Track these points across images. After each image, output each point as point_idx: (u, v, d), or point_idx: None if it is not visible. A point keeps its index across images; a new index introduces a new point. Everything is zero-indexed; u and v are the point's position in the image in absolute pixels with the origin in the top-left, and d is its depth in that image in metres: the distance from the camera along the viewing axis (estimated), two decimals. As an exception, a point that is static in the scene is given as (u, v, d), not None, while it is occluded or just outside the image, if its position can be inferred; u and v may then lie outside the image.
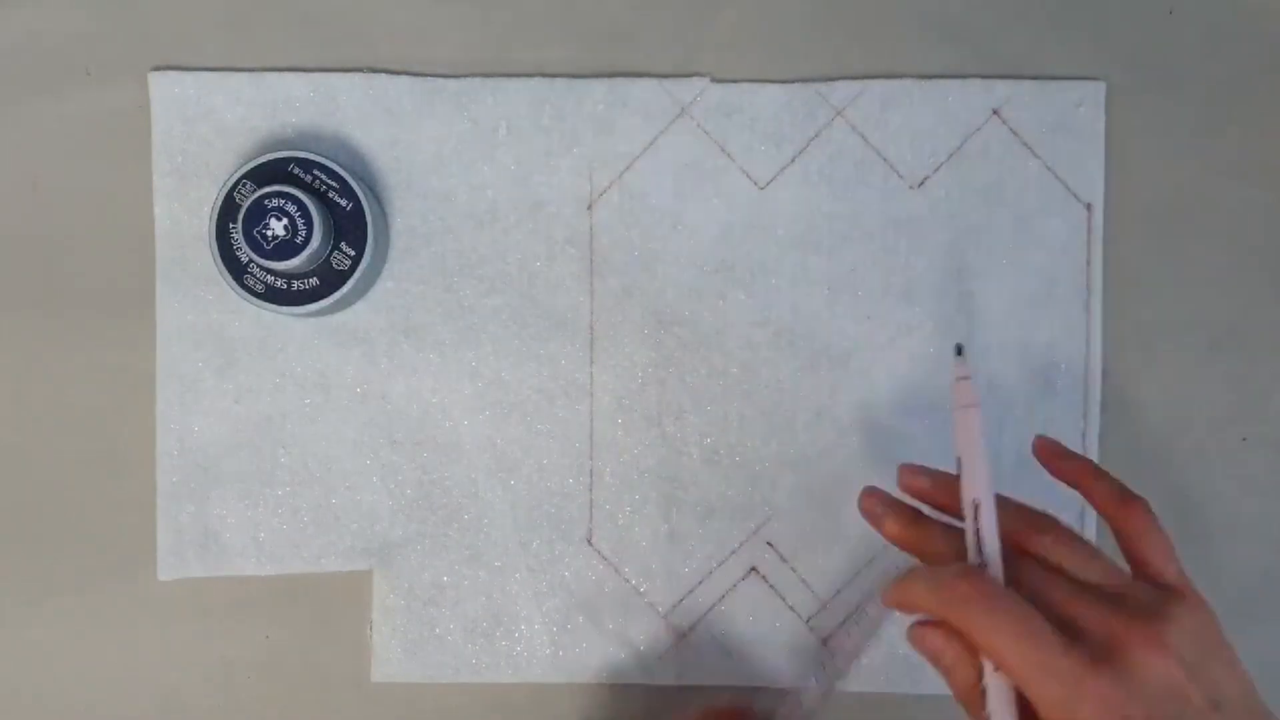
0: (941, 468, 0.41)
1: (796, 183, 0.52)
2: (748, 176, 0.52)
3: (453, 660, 0.52)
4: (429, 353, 0.52)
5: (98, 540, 0.52)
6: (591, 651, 0.52)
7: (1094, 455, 0.51)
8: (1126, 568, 0.40)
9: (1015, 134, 0.51)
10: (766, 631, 0.52)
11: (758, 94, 0.51)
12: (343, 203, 0.48)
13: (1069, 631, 0.35)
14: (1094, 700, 0.33)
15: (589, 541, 0.52)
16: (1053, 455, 0.42)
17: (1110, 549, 0.41)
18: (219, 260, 0.48)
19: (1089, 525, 0.52)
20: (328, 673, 0.52)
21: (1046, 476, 0.51)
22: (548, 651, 0.52)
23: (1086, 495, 0.41)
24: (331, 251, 0.48)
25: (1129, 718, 0.33)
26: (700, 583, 0.52)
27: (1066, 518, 0.51)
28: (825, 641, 0.52)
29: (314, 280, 0.48)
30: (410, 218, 0.52)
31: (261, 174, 0.48)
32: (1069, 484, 0.41)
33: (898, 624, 0.51)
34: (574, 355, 0.52)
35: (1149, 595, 0.37)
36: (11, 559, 0.52)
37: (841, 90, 0.51)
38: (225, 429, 0.51)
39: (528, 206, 0.52)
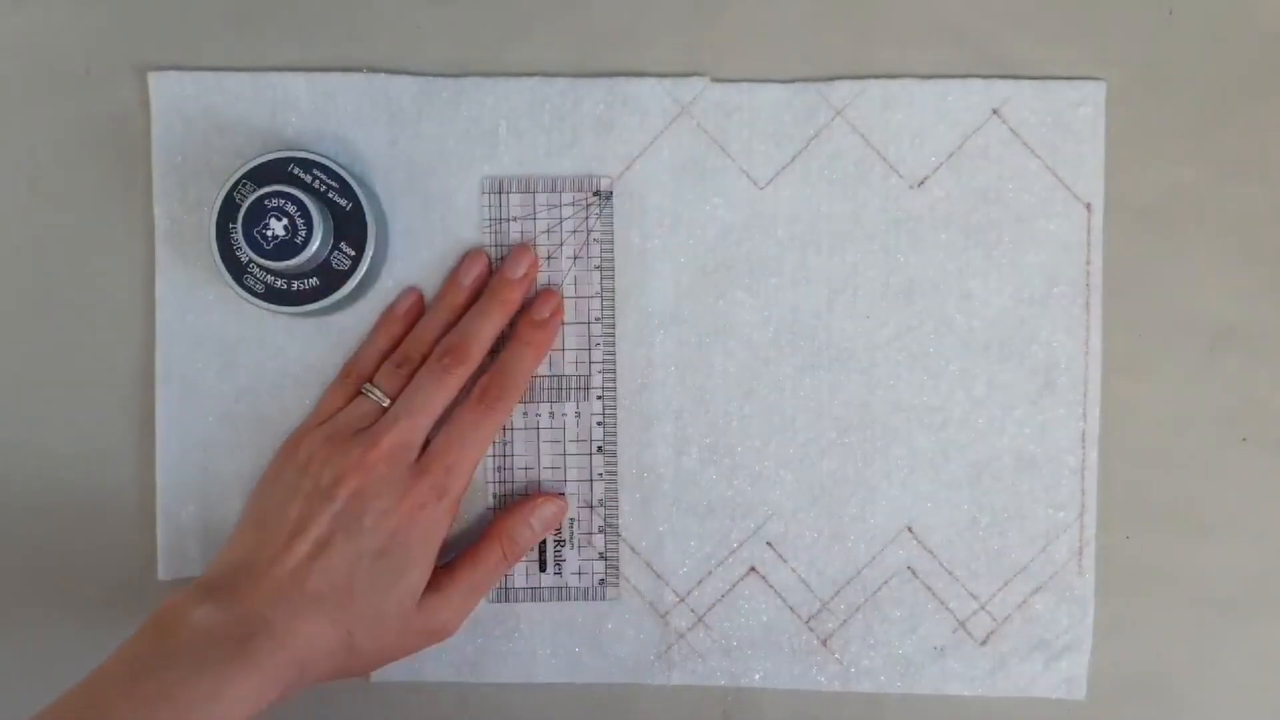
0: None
1: (796, 182, 0.51)
2: (748, 176, 0.52)
3: (453, 660, 0.52)
4: (429, 353, 0.52)
5: (98, 540, 0.52)
6: (591, 651, 0.52)
7: (1093, 455, 0.51)
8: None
9: (1015, 134, 0.51)
10: (766, 631, 0.52)
11: (758, 94, 0.51)
12: (343, 203, 0.48)
13: None
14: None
15: (589, 541, 0.52)
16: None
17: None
18: (219, 260, 0.48)
19: (1089, 524, 0.52)
20: (328, 672, 0.52)
21: (1045, 479, 0.52)
22: (548, 651, 0.52)
23: None
24: (331, 251, 0.48)
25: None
26: (700, 583, 0.52)
27: (1063, 516, 0.51)
28: (825, 642, 0.52)
29: (314, 280, 0.48)
30: (410, 218, 0.52)
31: (261, 174, 0.48)
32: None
33: (894, 623, 0.52)
34: (574, 355, 0.52)
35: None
36: (12, 559, 0.52)
37: (841, 90, 0.51)
38: (225, 429, 0.51)
39: (527, 206, 0.51)
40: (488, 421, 0.49)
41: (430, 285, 0.51)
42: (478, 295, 0.51)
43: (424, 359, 0.49)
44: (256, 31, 0.52)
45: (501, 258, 0.51)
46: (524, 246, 0.51)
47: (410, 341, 0.50)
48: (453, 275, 0.51)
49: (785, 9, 0.52)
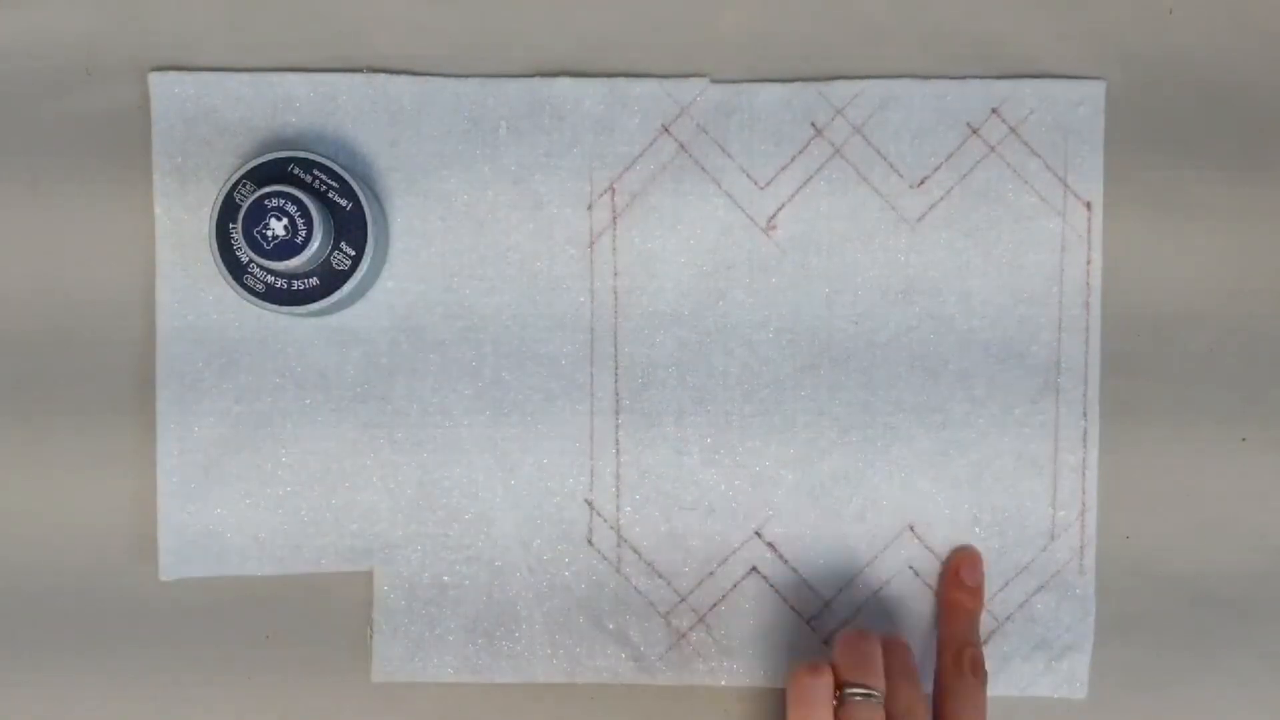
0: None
1: (796, 182, 0.52)
2: (748, 176, 0.52)
3: (453, 660, 0.52)
4: (429, 353, 0.52)
5: (98, 540, 0.52)
6: (591, 651, 0.52)
7: (1094, 455, 0.52)
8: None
9: (1015, 133, 0.51)
10: (767, 631, 0.52)
11: (758, 94, 0.51)
12: (343, 203, 0.48)
13: None
14: None
15: (589, 541, 0.52)
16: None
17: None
18: (219, 260, 0.48)
19: (1089, 524, 0.52)
20: (328, 673, 0.52)
21: (1045, 479, 0.52)
22: (548, 652, 0.52)
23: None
24: (331, 251, 0.48)
25: None
26: (700, 583, 0.52)
27: (1064, 516, 0.51)
28: (827, 642, 0.52)
29: (314, 280, 0.48)
30: (410, 218, 0.52)
31: (261, 174, 0.48)
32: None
33: (897, 623, 0.52)
34: (574, 355, 0.52)
35: None
36: (12, 559, 0.52)
37: (841, 90, 0.51)
38: (225, 429, 0.51)
39: (528, 206, 0.52)
40: (983, 689, 0.48)
41: (430, 285, 0.51)
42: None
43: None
44: (256, 31, 0.52)
45: None
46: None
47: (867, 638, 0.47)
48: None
49: (785, 9, 0.52)
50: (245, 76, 0.51)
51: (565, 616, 0.52)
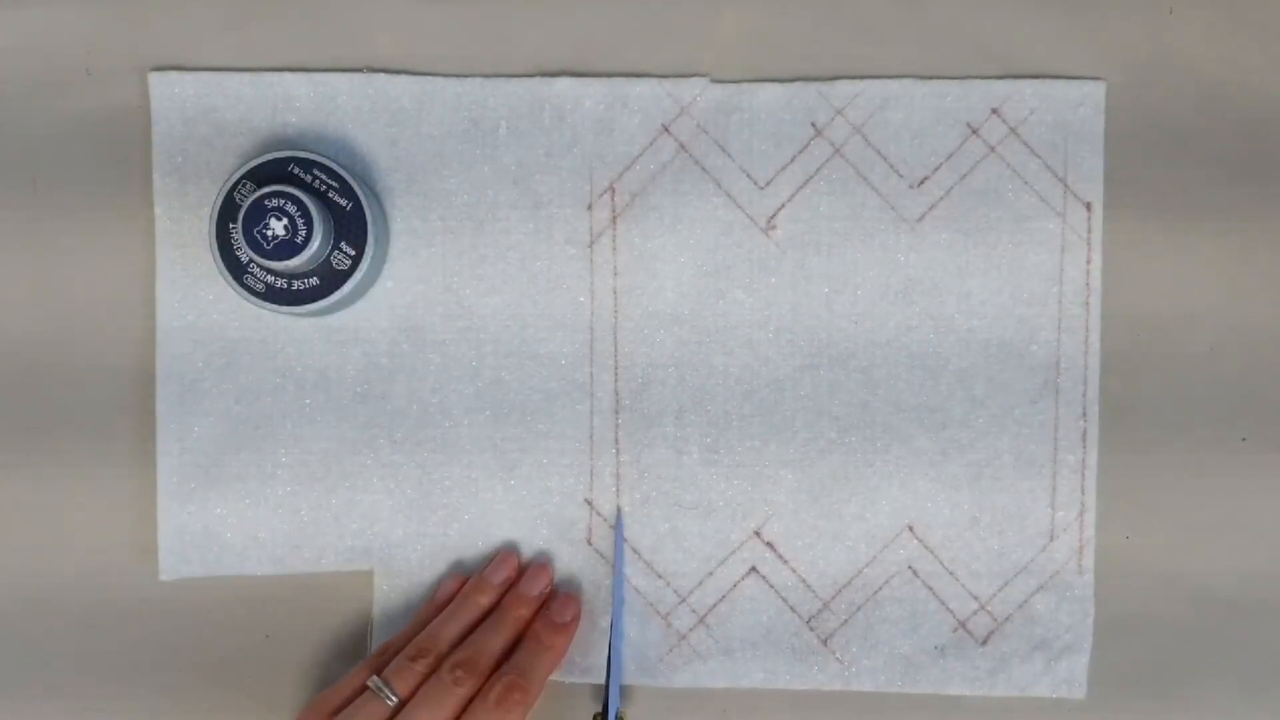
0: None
1: (796, 182, 0.52)
2: (748, 176, 0.52)
3: (453, 660, 0.52)
4: (429, 353, 0.52)
5: (98, 540, 0.52)
6: (592, 651, 0.52)
7: (1093, 455, 0.51)
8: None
9: (1015, 133, 0.51)
10: (767, 632, 0.52)
11: (758, 94, 0.51)
12: (343, 203, 0.48)
13: None
14: None
15: (589, 541, 0.52)
16: None
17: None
18: (219, 260, 0.48)
19: (1089, 524, 0.52)
20: (327, 673, 0.52)
21: (1045, 479, 0.52)
22: (548, 651, 0.52)
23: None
24: (331, 251, 0.48)
25: None
26: (700, 583, 0.52)
27: (1063, 516, 0.51)
28: (826, 642, 0.52)
29: (314, 280, 0.48)
30: (410, 218, 0.52)
31: (261, 174, 0.48)
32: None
33: (894, 623, 0.52)
34: (574, 355, 0.52)
35: None
36: (12, 560, 0.52)
37: (841, 90, 0.51)
38: (225, 429, 0.51)
39: (528, 206, 0.52)
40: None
41: (430, 285, 0.51)
42: (502, 595, 0.51)
43: (439, 657, 0.48)
44: (256, 31, 0.52)
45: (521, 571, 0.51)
46: (542, 566, 0.51)
47: (428, 637, 0.48)
48: (482, 574, 0.51)
49: (785, 9, 0.52)
50: (245, 76, 0.51)
51: (565, 616, 0.52)
